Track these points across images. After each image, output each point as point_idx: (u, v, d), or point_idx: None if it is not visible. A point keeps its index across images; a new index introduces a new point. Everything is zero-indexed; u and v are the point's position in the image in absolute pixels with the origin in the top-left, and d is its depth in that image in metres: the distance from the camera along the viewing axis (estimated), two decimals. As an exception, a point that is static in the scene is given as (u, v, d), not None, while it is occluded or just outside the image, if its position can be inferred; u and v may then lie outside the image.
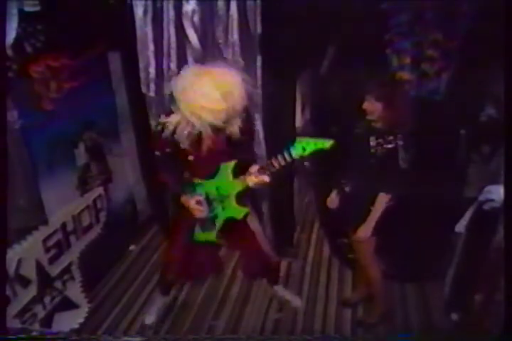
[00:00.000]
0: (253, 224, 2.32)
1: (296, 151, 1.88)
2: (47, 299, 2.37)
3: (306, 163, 3.80)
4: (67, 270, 2.52)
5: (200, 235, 2.21)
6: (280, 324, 2.63)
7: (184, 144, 1.98)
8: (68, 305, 2.54)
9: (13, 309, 2.11)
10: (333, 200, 2.50)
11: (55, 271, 2.41)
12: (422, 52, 2.50)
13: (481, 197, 2.26)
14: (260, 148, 2.78)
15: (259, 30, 2.46)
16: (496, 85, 2.24)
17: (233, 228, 2.19)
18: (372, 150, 2.15)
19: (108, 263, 3.07)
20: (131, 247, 3.34)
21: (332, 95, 2.88)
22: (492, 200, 2.18)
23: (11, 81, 1.97)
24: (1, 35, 1.75)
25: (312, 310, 2.74)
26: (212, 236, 2.20)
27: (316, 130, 3.34)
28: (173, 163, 2.08)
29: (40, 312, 2.32)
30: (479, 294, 2.23)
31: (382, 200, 2.20)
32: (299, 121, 3.29)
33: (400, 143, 2.08)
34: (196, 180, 2.13)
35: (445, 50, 2.46)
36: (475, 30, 2.33)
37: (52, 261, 2.37)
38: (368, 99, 2.14)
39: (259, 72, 2.57)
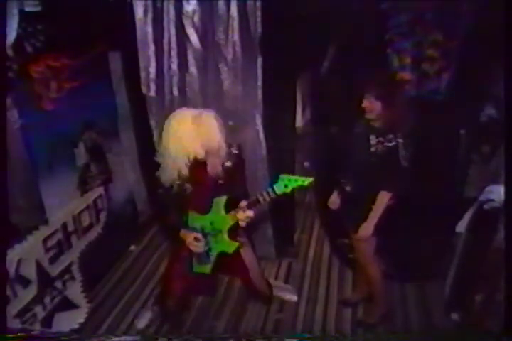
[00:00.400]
0: (247, 256, 2.38)
1: (278, 189, 1.99)
2: (47, 299, 2.36)
3: (305, 164, 3.81)
4: (67, 270, 2.52)
5: (197, 267, 2.28)
6: (280, 324, 2.63)
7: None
8: (68, 305, 2.54)
9: (13, 309, 2.11)
10: (334, 201, 2.50)
11: (55, 271, 2.41)
12: (422, 52, 2.49)
13: (482, 197, 2.26)
14: (260, 148, 2.78)
15: (259, 30, 2.46)
16: (496, 85, 2.24)
17: (226, 261, 2.27)
18: (373, 149, 2.16)
19: (108, 263, 3.07)
20: (131, 247, 3.34)
21: (332, 95, 2.88)
22: (492, 200, 2.18)
23: (11, 81, 1.97)
24: (1, 35, 1.75)
25: (312, 310, 2.74)
26: (207, 269, 2.27)
27: (316, 130, 3.34)
28: (174, 200, 2.13)
29: (40, 312, 2.32)
30: (479, 294, 2.23)
31: (383, 198, 2.20)
32: (299, 121, 3.29)
33: (401, 141, 2.09)
34: (192, 214, 2.19)
35: (445, 50, 2.45)
36: (475, 30, 2.33)
37: (52, 261, 2.37)
38: (367, 97, 2.14)
39: (259, 72, 2.57)
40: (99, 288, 2.88)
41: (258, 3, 2.40)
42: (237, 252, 2.25)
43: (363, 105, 2.15)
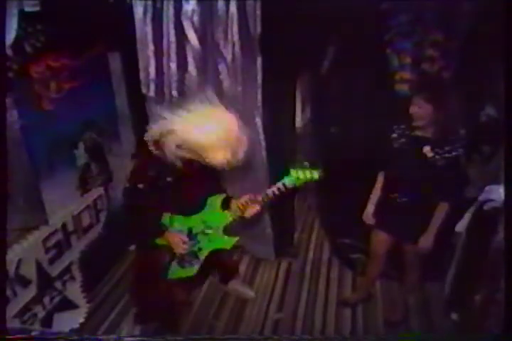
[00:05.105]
0: None
1: (289, 182, 2.03)
2: (47, 299, 2.37)
3: (305, 163, 3.80)
4: (67, 270, 2.52)
5: (178, 271, 2.19)
6: (280, 324, 2.63)
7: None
8: (68, 305, 2.54)
9: (13, 309, 2.11)
10: (369, 215, 2.44)
11: (55, 271, 2.41)
12: (422, 52, 2.49)
13: (481, 197, 2.26)
14: (260, 148, 2.78)
15: (258, 30, 2.46)
16: (496, 85, 2.24)
17: (217, 258, 2.30)
18: (430, 160, 2.08)
19: (108, 263, 3.07)
20: (131, 247, 3.33)
21: (332, 95, 2.88)
22: (492, 200, 2.18)
23: (11, 81, 1.97)
24: (1, 35, 1.75)
25: (312, 310, 2.74)
26: (192, 271, 2.20)
27: (316, 130, 3.34)
28: (153, 198, 1.98)
29: (40, 312, 2.33)
30: (479, 294, 2.23)
31: (443, 209, 2.19)
32: (299, 121, 3.29)
33: (461, 151, 2.03)
34: (174, 217, 2.10)
35: (445, 50, 2.45)
36: (475, 30, 2.33)
37: (52, 261, 2.37)
38: (416, 102, 2.02)
39: (259, 72, 2.57)
40: (99, 288, 2.88)
41: (258, 3, 2.39)
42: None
43: (411, 111, 2.03)
